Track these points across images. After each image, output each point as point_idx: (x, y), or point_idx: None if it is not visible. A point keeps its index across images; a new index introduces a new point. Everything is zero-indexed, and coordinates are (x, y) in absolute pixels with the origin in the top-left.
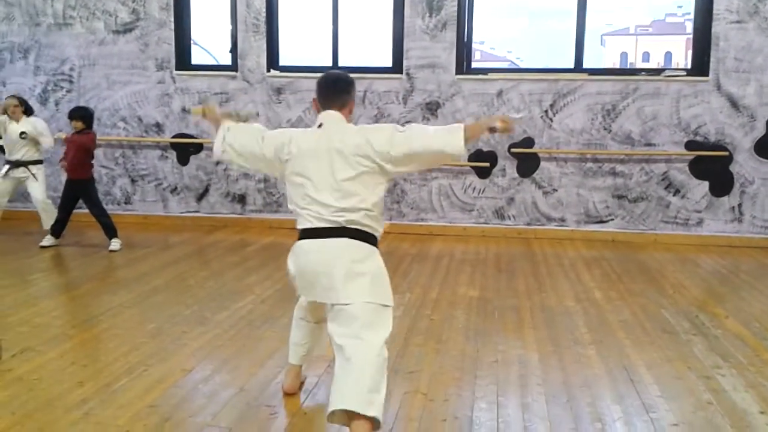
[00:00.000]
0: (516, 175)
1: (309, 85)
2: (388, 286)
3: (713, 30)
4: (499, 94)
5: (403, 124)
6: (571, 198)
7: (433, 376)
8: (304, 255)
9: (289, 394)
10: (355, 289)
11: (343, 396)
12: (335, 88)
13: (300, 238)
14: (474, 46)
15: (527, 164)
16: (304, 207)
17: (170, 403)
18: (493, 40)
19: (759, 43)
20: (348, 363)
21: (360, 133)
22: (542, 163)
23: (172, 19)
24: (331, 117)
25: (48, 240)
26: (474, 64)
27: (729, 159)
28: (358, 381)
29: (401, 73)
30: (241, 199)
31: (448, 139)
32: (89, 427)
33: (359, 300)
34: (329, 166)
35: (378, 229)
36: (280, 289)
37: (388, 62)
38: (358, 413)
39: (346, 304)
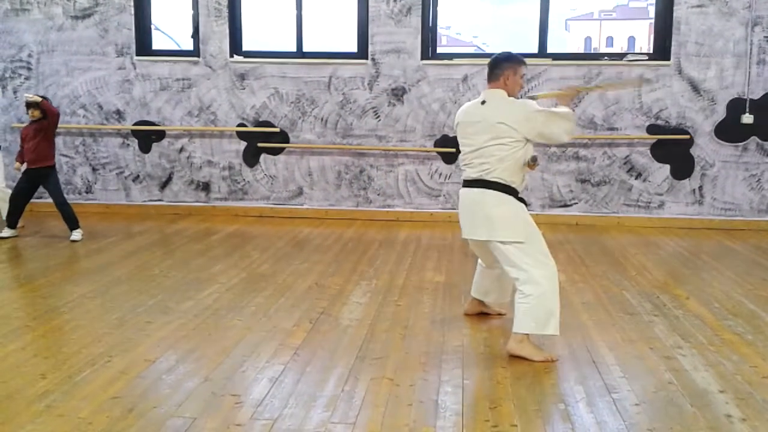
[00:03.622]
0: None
1: (273, 70)
2: (519, 226)
3: (675, 14)
4: (465, 79)
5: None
6: (535, 182)
7: (400, 361)
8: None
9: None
10: (488, 228)
11: (520, 322)
12: (490, 68)
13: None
14: (440, 31)
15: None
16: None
17: (134, 394)
18: (460, 25)
19: (719, 27)
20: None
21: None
22: None
23: (132, 4)
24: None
25: (6, 231)
26: (440, 50)
27: (690, 142)
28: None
29: (366, 58)
30: (206, 187)
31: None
32: (51, 419)
33: (493, 238)
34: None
35: (515, 181)
36: (246, 277)
37: (353, 48)
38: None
39: (487, 241)
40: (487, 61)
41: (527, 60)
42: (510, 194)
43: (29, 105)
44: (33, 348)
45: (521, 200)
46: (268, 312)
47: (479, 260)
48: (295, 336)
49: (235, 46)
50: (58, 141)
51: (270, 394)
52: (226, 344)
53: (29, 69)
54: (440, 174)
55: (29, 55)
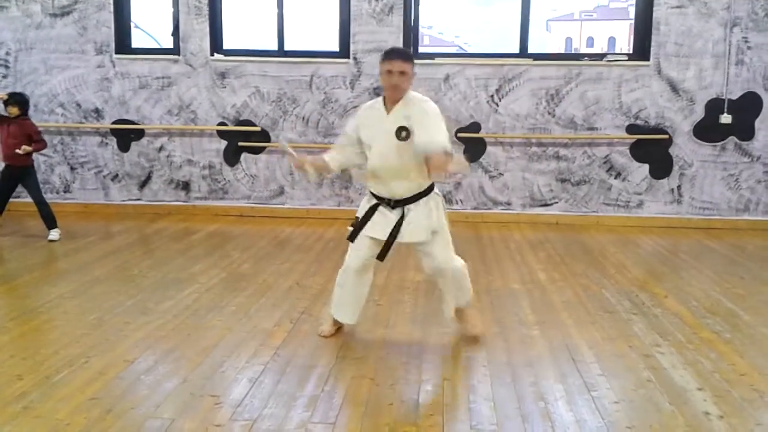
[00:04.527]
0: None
1: (254, 69)
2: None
3: (654, 15)
4: (446, 78)
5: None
6: (516, 182)
7: (380, 361)
8: None
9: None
10: None
11: None
12: None
13: None
14: (422, 30)
15: (474, 149)
16: None
17: (112, 394)
18: (442, 25)
19: (698, 27)
20: None
21: None
22: (489, 148)
23: (111, 2)
24: None
25: None
26: (423, 49)
27: (669, 142)
28: None
29: (348, 57)
30: (185, 186)
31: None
32: (29, 420)
33: None
34: None
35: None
36: (226, 277)
37: (335, 47)
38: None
39: None
40: (469, 60)
41: (509, 60)
42: (369, 193)
43: (6, 102)
44: (10, 349)
45: (382, 202)
46: (249, 312)
47: None
48: (275, 336)
49: (216, 45)
50: None
51: (250, 394)
52: (206, 344)
53: (7, 67)
54: None
55: (7, 53)
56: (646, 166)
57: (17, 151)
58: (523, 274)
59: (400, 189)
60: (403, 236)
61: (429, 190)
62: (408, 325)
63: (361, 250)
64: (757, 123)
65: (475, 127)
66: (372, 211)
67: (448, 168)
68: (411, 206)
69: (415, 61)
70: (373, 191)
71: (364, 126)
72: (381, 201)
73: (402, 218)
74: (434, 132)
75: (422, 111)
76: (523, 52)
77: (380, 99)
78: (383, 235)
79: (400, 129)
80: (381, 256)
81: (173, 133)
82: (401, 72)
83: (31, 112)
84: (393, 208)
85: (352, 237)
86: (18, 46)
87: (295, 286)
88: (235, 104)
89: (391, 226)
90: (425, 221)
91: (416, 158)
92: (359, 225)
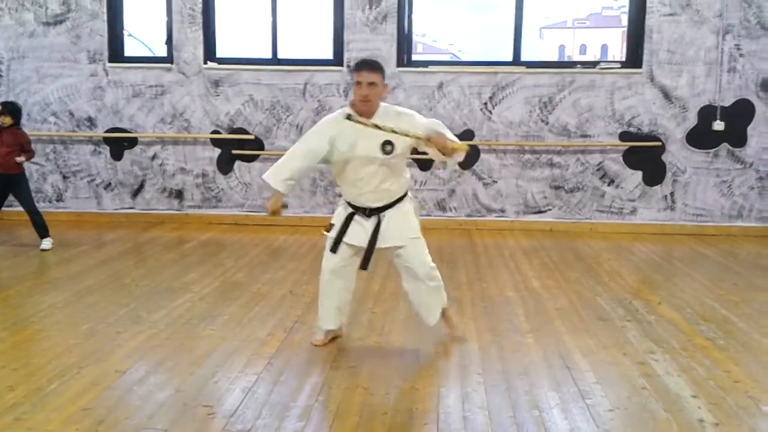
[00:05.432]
0: (457, 167)
1: (247, 77)
2: None
3: (647, 23)
4: (440, 86)
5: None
6: (510, 189)
7: (374, 369)
8: None
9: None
10: None
11: None
12: None
13: None
14: (416, 38)
15: (468, 156)
16: None
17: (104, 405)
18: (436, 32)
19: (691, 35)
20: None
21: None
22: (482, 155)
23: (105, 10)
24: None
25: None
26: (417, 57)
27: (662, 149)
28: None
29: (342, 65)
30: (179, 194)
31: None
32: None
33: None
34: None
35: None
36: (219, 286)
37: (328, 55)
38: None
39: None
40: (462, 68)
41: (502, 68)
42: (345, 202)
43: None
44: (2, 359)
45: (357, 211)
46: (242, 321)
47: None
48: (269, 345)
49: (209, 53)
50: None
51: (243, 404)
52: (199, 354)
53: (0, 76)
54: (415, 180)
55: None
56: (639, 173)
57: (17, 159)
58: (517, 281)
59: (377, 200)
60: (382, 241)
61: (403, 196)
62: (402, 333)
63: (336, 254)
64: (750, 130)
65: (469, 134)
66: (349, 219)
67: (448, 144)
68: (386, 213)
69: (409, 69)
70: (348, 201)
71: (341, 138)
72: (357, 210)
73: (378, 224)
74: (418, 118)
75: (398, 113)
76: (517, 60)
77: (345, 111)
78: (362, 242)
79: (386, 143)
80: (364, 265)
81: (166, 141)
82: (370, 83)
83: (23, 120)
84: (369, 216)
85: (335, 248)
86: (11, 55)
87: (289, 294)
88: (229, 112)
89: (369, 233)
90: (402, 225)
91: (395, 172)
92: (339, 234)
